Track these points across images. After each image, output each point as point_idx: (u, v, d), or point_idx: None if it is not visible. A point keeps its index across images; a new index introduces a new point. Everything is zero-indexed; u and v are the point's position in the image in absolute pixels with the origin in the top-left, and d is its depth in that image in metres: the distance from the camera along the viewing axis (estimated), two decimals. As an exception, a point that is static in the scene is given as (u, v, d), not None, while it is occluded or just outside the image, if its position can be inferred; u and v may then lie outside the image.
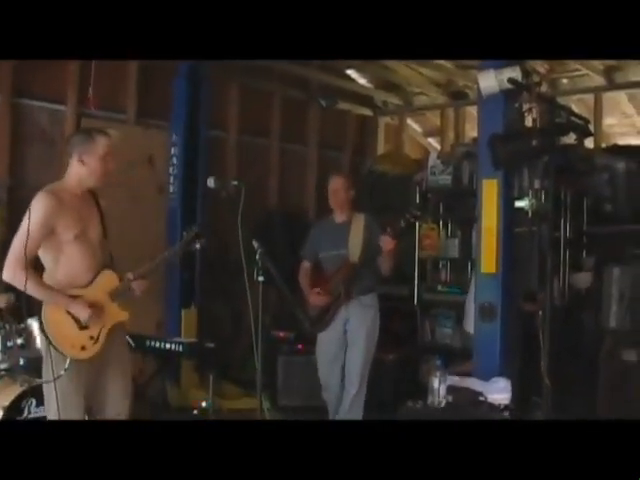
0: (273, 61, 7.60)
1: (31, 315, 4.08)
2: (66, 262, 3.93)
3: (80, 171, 3.99)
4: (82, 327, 3.92)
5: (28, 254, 3.79)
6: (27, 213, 3.81)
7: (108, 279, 4.06)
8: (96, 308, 3.94)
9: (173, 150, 7.43)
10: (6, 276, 3.81)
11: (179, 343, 6.10)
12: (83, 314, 3.89)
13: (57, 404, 3.79)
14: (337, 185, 5.83)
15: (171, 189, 7.46)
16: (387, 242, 5.40)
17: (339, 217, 5.85)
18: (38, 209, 3.82)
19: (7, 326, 4.85)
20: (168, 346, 6.06)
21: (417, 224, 7.63)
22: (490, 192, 5.76)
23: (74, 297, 3.93)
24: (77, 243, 3.93)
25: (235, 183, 4.08)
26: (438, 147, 9.90)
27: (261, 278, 4.02)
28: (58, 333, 3.88)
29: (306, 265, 5.93)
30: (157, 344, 6.11)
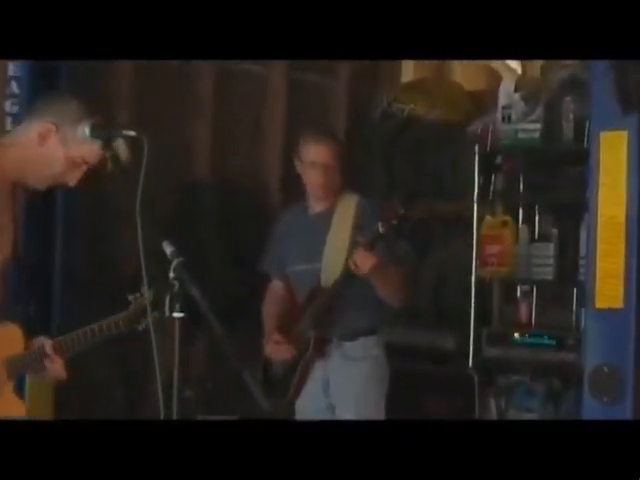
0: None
1: None
2: None
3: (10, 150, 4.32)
4: None
5: None
6: None
7: (9, 338, 4.28)
8: None
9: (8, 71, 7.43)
10: None
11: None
12: None
13: None
14: (320, 157, 5.79)
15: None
16: (362, 258, 5.57)
17: (316, 204, 5.78)
18: None
19: None
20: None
21: (475, 218, 7.81)
22: (614, 155, 5.91)
23: None
24: None
25: (131, 134, 4.28)
26: (517, 70, 10.08)
27: (177, 314, 4.05)
28: None
29: (276, 288, 5.96)
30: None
